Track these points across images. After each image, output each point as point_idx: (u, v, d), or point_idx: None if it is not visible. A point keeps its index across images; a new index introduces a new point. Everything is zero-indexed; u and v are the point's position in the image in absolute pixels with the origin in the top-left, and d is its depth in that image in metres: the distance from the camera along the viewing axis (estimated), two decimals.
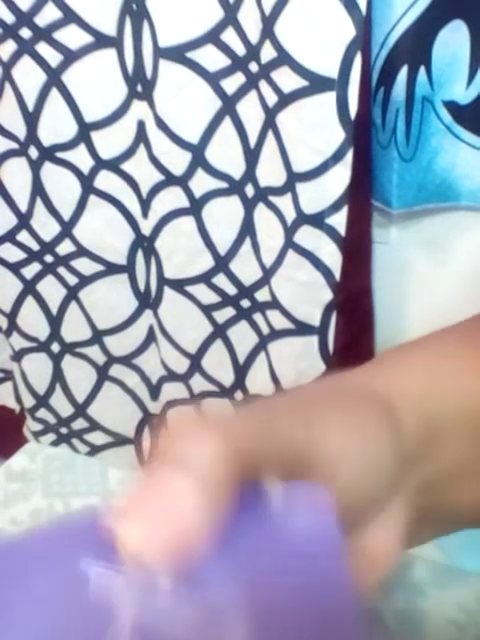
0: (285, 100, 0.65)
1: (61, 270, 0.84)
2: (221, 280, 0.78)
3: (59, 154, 0.78)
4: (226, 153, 0.72)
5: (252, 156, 0.71)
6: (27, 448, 0.99)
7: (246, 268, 0.77)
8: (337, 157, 0.65)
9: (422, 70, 0.63)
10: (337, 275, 0.71)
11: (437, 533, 0.42)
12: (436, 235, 0.71)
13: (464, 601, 0.77)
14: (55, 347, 0.90)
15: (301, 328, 0.74)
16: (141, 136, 0.74)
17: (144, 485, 0.28)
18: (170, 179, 0.75)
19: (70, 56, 0.73)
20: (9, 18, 0.73)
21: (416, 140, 0.66)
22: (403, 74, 0.63)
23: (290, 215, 0.70)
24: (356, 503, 0.33)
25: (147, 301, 0.83)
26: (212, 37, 0.67)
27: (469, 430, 0.38)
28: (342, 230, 0.68)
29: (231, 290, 0.78)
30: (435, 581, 0.79)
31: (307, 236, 0.70)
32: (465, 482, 0.38)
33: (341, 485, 0.32)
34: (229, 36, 0.67)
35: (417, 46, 0.62)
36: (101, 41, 0.71)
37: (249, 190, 0.73)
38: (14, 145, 0.79)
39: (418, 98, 0.64)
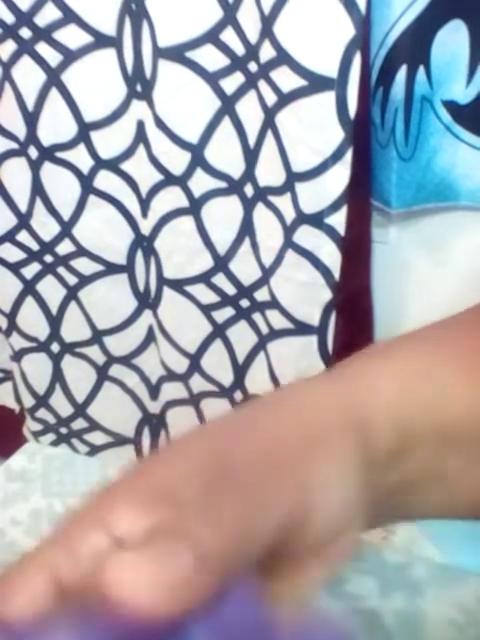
0: (284, 100, 0.65)
1: (61, 270, 0.84)
2: (220, 280, 0.78)
3: (59, 154, 0.78)
4: (225, 153, 0.72)
5: (251, 156, 0.71)
6: (27, 448, 0.98)
7: (245, 268, 0.77)
8: (336, 157, 0.65)
9: (421, 69, 0.63)
10: (336, 275, 0.71)
11: (389, 524, 0.43)
12: (435, 235, 0.71)
13: (464, 601, 0.77)
14: (55, 347, 0.90)
15: (300, 328, 0.75)
16: (140, 136, 0.74)
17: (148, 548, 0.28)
18: (169, 179, 0.75)
19: (70, 56, 0.73)
20: (9, 18, 0.73)
21: (415, 140, 0.66)
22: (402, 74, 0.63)
23: (289, 215, 0.70)
24: (329, 533, 0.34)
25: (146, 301, 0.84)
26: (211, 37, 0.67)
27: (440, 436, 0.38)
28: (341, 230, 0.68)
29: (230, 290, 0.78)
30: (434, 581, 0.79)
31: (306, 236, 0.70)
32: (430, 486, 0.39)
33: (318, 526, 0.33)
34: (228, 36, 0.67)
35: (416, 46, 0.62)
36: (101, 41, 0.71)
37: (248, 190, 0.73)
38: (14, 145, 0.79)
39: (417, 97, 0.64)
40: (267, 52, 0.64)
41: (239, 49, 0.67)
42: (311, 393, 0.37)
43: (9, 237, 0.84)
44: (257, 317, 0.78)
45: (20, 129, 0.77)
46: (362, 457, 0.35)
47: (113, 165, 0.77)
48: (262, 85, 0.66)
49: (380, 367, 0.39)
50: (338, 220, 0.68)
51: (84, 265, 0.83)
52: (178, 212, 0.76)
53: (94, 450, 0.96)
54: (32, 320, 0.89)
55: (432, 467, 0.38)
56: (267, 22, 0.63)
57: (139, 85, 0.72)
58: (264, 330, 0.78)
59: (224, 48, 0.67)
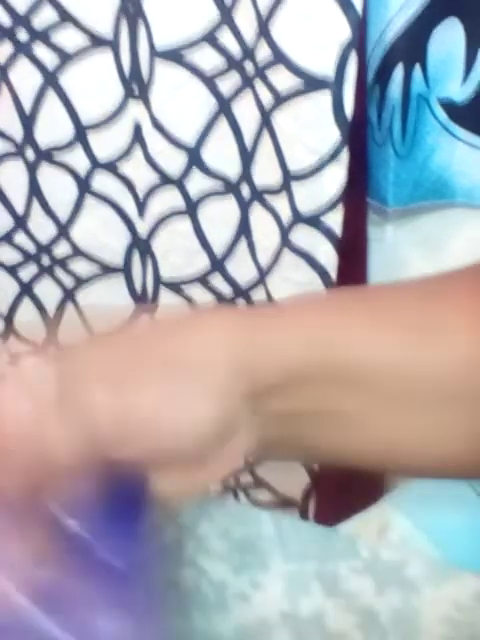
0: (281, 100, 0.65)
1: (58, 272, 0.84)
2: (217, 281, 0.78)
3: (56, 156, 0.78)
4: (222, 153, 0.72)
5: (248, 156, 0.71)
6: None
7: (242, 269, 0.77)
8: (333, 156, 0.65)
9: (417, 68, 0.63)
10: (333, 275, 0.71)
11: (289, 458, 0.53)
12: (432, 233, 0.71)
13: (459, 599, 0.77)
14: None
15: None
16: (137, 137, 0.74)
17: None
18: (166, 180, 0.75)
19: (66, 58, 0.73)
20: (5, 20, 0.73)
21: (412, 138, 0.66)
22: (399, 72, 0.63)
23: (286, 215, 0.71)
24: (206, 445, 0.38)
25: (144, 302, 0.84)
26: (208, 38, 0.68)
27: (336, 380, 0.40)
28: (338, 229, 0.69)
29: (227, 291, 0.79)
30: (430, 579, 0.79)
31: (303, 236, 0.70)
32: (319, 422, 0.41)
33: (188, 439, 0.38)
34: (225, 37, 0.67)
35: (412, 44, 0.62)
36: (97, 42, 0.71)
37: (245, 190, 0.73)
38: (11, 147, 0.79)
39: (414, 96, 0.64)
40: (263, 52, 0.65)
41: (235, 50, 0.67)
42: (210, 329, 0.40)
43: (6, 239, 0.84)
44: None
45: (17, 131, 0.78)
46: (244, 386, 0.38)
47: (110, 167, 0.77)
48: (258, 85, 0.67)
49: (285, 316, 0.41)
50: (335, 220, 0.68)
51: (81, 267, 0.83)
52: (175, 213, 0.77)
53: None
54: (29, 323, 0.89)
55: (323, 405, 0.40)
56: (263, 23, 0.63)
57: (136, 86, 0.72)
58: None
59: (220, 49, 0.68)
